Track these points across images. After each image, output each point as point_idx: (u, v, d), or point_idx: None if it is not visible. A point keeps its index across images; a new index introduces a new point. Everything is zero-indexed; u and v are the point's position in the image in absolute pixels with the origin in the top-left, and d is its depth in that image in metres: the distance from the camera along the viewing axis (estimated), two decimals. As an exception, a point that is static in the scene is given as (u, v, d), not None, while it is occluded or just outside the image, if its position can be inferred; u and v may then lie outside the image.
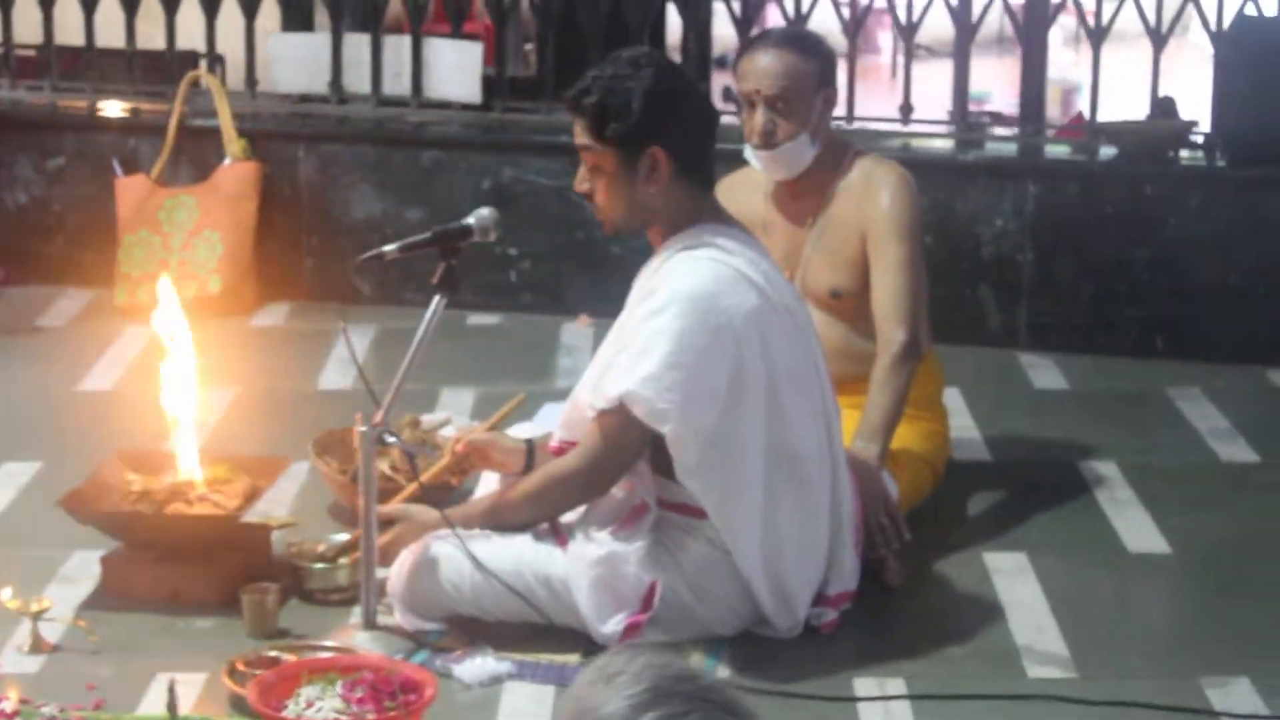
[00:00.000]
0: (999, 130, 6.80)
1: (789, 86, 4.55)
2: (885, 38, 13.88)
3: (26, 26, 7.36)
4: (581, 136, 4.00)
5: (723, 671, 3.92)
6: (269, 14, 7.14)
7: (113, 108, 7.12)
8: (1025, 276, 6.24)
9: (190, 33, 7.18)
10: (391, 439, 4.01)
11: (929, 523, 4.65)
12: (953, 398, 5.56)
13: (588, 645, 3.96)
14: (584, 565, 3.94)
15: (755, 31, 6.59)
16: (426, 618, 4.06)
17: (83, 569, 4.41)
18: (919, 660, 4.03)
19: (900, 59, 11.70)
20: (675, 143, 3.98)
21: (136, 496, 4.31)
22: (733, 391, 3.90)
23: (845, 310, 4.71)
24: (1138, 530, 4.74)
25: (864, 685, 3.91)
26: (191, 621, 4.16)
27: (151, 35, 7.26)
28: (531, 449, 4.21)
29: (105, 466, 4.46)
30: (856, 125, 6.62)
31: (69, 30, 7.29)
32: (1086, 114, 6.59)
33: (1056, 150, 6.50)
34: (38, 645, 4.02)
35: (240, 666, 3.83)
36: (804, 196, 4.71)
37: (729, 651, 4.01)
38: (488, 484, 4.37)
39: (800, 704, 3.83)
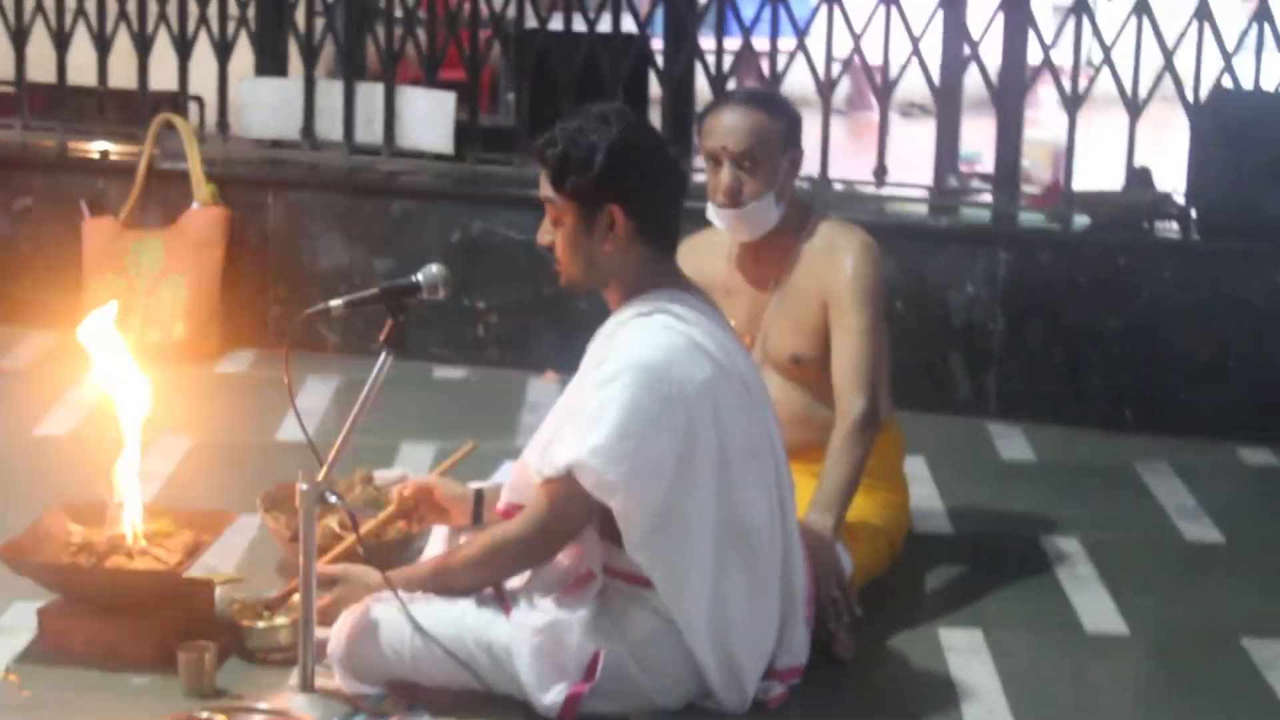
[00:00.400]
0: (972, 196, 6.74)
1: (756, 144, 4.50)
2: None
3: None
4: (544, 188, 3.96)
5: (666, 746, 3.85)
6: (244, 58, 7.08)
7: (83, 148, 7.07)
8: (996, 344, 6.19)
9: (170, 74, 7.13)
10: (334, 498, 3.93)
11: (884, 595, 4.58)
12: (918, 467, 5.51)
13: (528, 714, 3.88)
14: (526, 633, 3.86)
15: (731, 88, 6.56)
16: (366, 681, 3.98)
17: (20, 620, 4.32)
18: (867, 738, 3.96)
19: (892, 115, 11.73)
20: (635, 202, 3.92)
21: (76, 548, 4.23)
22: (683, 464, 3.84)
23: (806, 376, 4.65)
24: (1097, 610, 4.66)
25: (809, 763, 3.84)
26: (128, 679, 4.08)
27: (154, 75, 7.20)
28: (480, 497, 4.18)
29: (48, 516, 4.38)
30: (832, 185, 6.56)
31: (63, 68, 7.23)
32: (1062, 181, 6.54)
33: (1030, 217, 6.44)
34: (-34, 698, 3.95)
35: (173, 728, 3.76)
36: (766, 260, 4.66)
37: (673, 725, 3.94)
38: (436, 545, 4.30)
39: (744, 780, 3.76)
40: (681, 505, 3.84)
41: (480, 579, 3.98)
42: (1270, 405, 6.01)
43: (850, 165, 6.79)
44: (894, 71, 6.46)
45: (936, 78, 6.57)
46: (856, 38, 6.42)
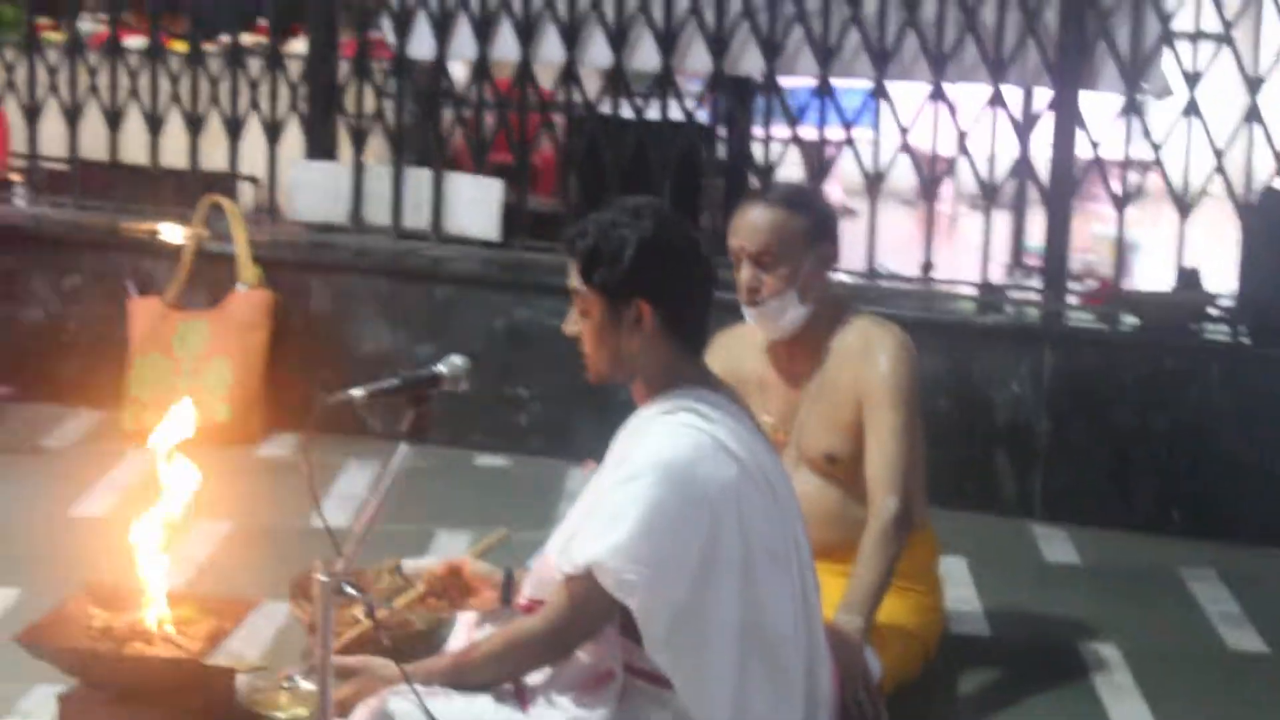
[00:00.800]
0: (1018, 295, 6.66)
1: (772, 243, 4.47)
2: (946, 184, 13.74)
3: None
4: (573, 278, 3.93)
5: None
6: (294, 141, 7.11)
7: (133, 227, 7.09)
8: (1041, 444, 6.11)
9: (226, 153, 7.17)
10: (351, 590, 3.88)
11: (916, 701, 4.50)
12: (958, 567, 5.44)
13: (544, 815, 3.82)
14: (545, 731, 3.81)
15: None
16: (382, 775, 3.92)
17: (41, 705, 4.30)
18: (889, 847, 3.89)
19: (960, 209, 11.67)
20: (663, 298, 3.88)
21: (97, 634, 4.20)
22: (705, 565, 3.77)
23: (840, 474, 4.60)
24: (1133, 720, 4.58)
25: None
26: (146, 766, 4.05)
27: (208, 155, 7.23)
28: (510, 578, 4.14)
29: (71, 600, 4.36)
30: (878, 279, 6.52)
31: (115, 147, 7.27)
32: (1111, 280, 6.48)
33: (1079, 315, 6.38)
34: (-17, 786, 3.92)
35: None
36: (800, 355, 4.61)
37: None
38: (460, 636, 4.26)
39: None
40: (703, 607, 3.77)
41: (499, 674, 3.92)
42: (1319, 512, 5.92)
43: (916, 256, 6.69)
44: (934, 166, 6.41)
45: (985, 173, 6.52)
46: (904, 131, 6.39)
